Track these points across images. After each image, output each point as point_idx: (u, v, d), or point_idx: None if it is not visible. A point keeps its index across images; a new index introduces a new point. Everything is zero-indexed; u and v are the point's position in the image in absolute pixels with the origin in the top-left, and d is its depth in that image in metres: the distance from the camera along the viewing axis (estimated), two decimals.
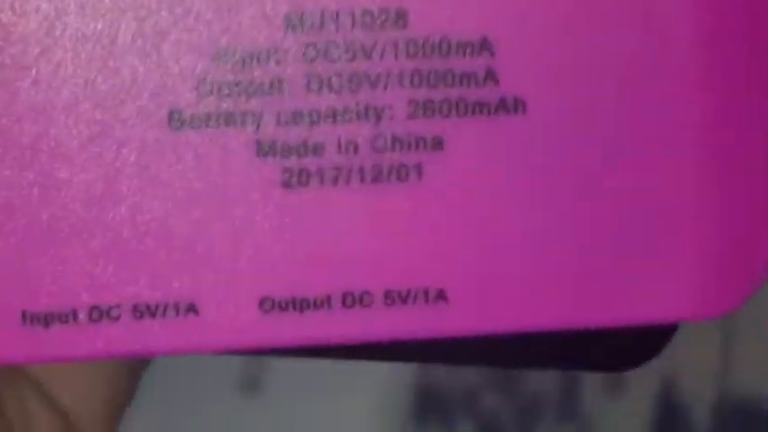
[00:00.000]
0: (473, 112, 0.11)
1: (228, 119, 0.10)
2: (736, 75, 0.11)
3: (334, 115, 0.10)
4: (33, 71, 0.10)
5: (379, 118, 0.11)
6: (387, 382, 0.34)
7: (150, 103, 0.10)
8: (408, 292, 0.11)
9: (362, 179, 0.11)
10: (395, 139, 0.11)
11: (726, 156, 0.11)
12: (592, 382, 0.30)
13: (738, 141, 0.11)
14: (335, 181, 0.11)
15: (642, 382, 0.31)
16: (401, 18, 0.10)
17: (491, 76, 0.11)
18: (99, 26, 0.10)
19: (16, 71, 0.10)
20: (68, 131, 0.10)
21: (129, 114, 0.10)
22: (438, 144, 0.11)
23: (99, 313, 0.10)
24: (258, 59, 0.10)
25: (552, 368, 0.17)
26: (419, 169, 0.11)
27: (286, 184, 0.11)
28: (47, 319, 0.10)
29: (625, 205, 0.11)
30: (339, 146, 0.11)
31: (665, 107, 0.11)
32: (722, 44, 0.11)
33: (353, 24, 0.10)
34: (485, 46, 0.10)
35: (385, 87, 0.10)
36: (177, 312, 0.11)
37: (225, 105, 0.10)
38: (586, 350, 0.13)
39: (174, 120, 0.10)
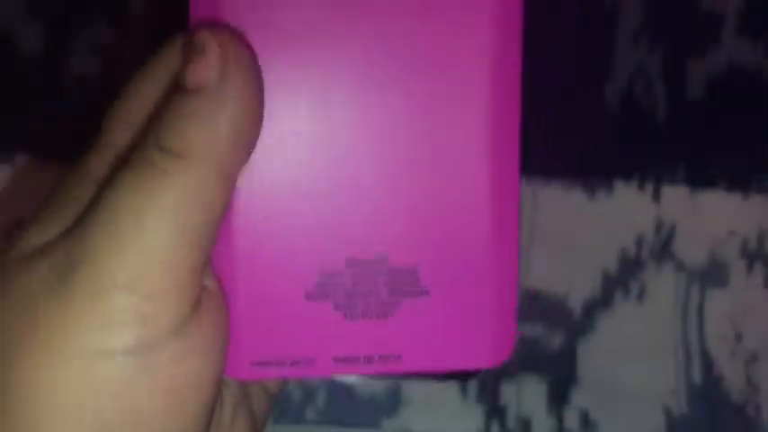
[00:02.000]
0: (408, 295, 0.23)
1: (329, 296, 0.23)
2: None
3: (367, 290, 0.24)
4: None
5: (379, 293, 0.23)
6: None
7: (290, 275, 0.23)
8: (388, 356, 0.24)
9: (377, 315, 0.23)
10: (384, 303, 0.23)
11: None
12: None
13: (507, 267, 0.23)
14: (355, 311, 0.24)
15: None
16: (385, 260, 0.23)
17: (418, 282, 0.23)
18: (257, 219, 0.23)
19: None
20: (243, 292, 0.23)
21: (268, 277, 0.23)
22: (392, 308, 0.23)
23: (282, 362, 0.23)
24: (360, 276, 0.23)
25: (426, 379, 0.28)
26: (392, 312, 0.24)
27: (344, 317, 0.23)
28: (264, 365, 0.23)
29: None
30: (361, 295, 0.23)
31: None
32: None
33: (379, 264, 0.23)
34: (415, 271, 0.23)
35: (380, 287, 0.23)
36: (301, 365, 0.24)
37: (333, 293, 0.23)
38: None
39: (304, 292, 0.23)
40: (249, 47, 0.20)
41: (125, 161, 0.21)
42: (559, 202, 0.38)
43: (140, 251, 0.20)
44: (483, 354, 0.23)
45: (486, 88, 0.22)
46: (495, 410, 0.38)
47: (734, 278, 0.37)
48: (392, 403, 0.38)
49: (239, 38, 0.20)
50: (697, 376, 0.37)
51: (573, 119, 0.39)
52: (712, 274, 0.38)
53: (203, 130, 0.20)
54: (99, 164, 0.22)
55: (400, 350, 0.23)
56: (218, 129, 0.20)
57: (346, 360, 0.23)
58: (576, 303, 0.38)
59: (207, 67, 0.19)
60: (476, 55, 0.21)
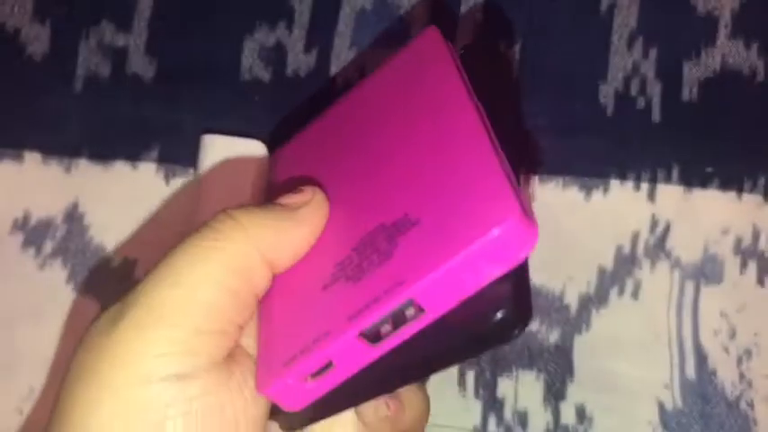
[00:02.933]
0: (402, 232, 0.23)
1: None
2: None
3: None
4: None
5: (380, 248, 0.23)
6: None
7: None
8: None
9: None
10: (383, 251, 0.23)
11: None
12: None
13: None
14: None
15: None
16: (383, 225, 0.24)
17: (409, 220, 0.23)
18: None
19: None
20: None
21: None
22: (391, 250, 0.23)
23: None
24: None
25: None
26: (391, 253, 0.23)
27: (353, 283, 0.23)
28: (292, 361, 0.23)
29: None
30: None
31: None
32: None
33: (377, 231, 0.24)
34: (406, 215, 0.23)
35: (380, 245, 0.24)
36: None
37: (344, 273, 0.24)
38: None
39: None
40: (326, 198, 0.27)
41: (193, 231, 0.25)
42: (556, 201, 0.38)
43: (187, 294, 0.23)
44: (479, 224, 0.21)
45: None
46: (492, 404, 0.38)
47: (728, 275, 0.38)
48: None
49: (321, 193, 0.27)
50: (691, 371, 0.37)
51: (569, 119, 0.39)
52: (706, 272, 0.38)
53: (280, 228, 0.26)
54: None
55: (402, 276, 0.22)
56: (289, 231, 0.26)
57: (359, 313, 0.22)
58: (572, 299, 0.38)
59: (301, 197, 0.27)
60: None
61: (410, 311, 0.22)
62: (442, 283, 0.21)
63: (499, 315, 0.21)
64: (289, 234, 0.26)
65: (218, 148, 0.37)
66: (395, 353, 0.23)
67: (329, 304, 0.23)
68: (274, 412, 0.25)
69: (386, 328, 0.22)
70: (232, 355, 0.25)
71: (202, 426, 0.23)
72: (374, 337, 0.22)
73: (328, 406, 0.24)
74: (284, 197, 0.27)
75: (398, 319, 0.22)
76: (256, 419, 0.24)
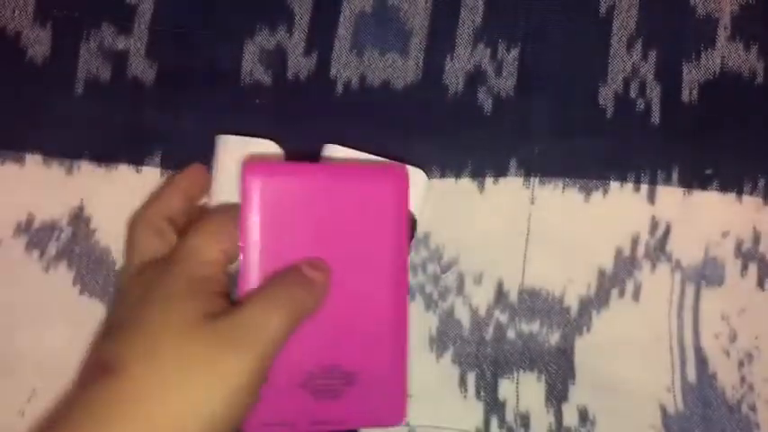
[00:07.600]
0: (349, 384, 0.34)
1: None
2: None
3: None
4: None
5: (335, 385, 0.33)
6: None
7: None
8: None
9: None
10: (336, 390, 0.34)
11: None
12: None
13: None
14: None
15: None
16: (339, 366, 0.34)
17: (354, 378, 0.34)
18: None
19: None
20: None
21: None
22: (341, 392, 0.33)
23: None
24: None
25: None
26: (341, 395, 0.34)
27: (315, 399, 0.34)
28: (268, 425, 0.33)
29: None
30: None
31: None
32: None
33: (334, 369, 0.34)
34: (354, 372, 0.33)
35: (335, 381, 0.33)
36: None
37: (311, 384, 0.33)
38: None
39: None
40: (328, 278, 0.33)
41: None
42: (556, 203, 0.37)
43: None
44: (392, 414, 0.33)
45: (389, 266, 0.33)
46: (494, 406, 0.36)
47: (729, 278, 0.36)
48: None
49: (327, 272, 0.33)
50: (691, 375, 0.36)
51: (569, 121, 0.37)
52: (707, 274, 0.36)
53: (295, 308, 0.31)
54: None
55: (344, 416, 0.33)
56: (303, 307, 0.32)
57: (314, 422, 0.33)
58: (572, 301, 0.36)
59: (321, 276, 0.32)
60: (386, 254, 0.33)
61: None
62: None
63: None
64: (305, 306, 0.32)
65: (231, 148, 0.35)
66: None
67: (298, 403, 0.33)
68: None
69: None
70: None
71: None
72: None
73: None
74: (309, 268, 0.32)
75: None
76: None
